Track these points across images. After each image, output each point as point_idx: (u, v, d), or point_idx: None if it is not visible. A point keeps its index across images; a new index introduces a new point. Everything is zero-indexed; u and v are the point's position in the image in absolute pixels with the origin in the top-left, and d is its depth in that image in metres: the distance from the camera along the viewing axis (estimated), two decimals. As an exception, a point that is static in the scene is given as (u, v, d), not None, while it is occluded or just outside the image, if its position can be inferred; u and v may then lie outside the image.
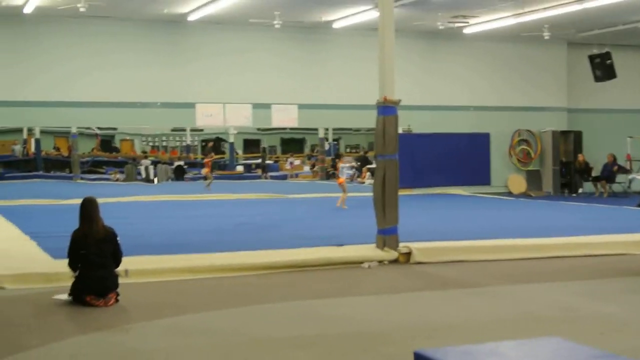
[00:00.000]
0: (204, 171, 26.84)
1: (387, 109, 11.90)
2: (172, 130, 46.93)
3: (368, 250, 11.76)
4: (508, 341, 4.58)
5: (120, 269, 9.01)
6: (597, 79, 26.33)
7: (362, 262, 11.28)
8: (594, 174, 26.88)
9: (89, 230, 8.66)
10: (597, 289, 9.58)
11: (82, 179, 32.10)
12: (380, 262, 11.44)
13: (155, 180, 30.95)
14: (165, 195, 23.41)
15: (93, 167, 37.62)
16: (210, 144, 36.11)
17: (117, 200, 20.98)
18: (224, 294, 9.36)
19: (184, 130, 45.69)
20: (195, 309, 8.37)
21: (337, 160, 20.86)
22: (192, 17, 22.59)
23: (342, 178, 20.17)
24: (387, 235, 11.80)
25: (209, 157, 30.07)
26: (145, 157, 35.89)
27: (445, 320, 7.84)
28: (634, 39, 27.08)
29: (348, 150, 50.77)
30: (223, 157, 44.49)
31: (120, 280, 8.88)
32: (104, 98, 23.09)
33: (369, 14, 21.83)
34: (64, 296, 8.66)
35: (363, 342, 6.92)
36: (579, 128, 27.81)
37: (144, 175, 31.29)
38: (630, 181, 25.92)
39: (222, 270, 10.49)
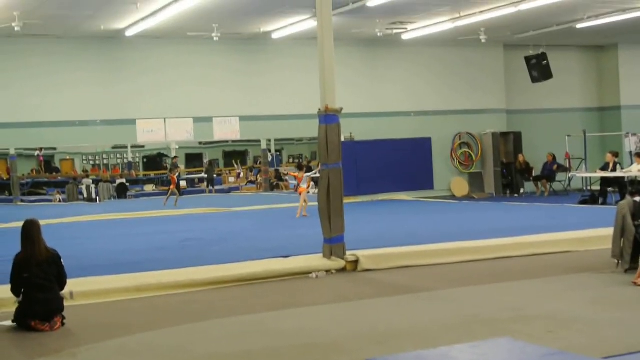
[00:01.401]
0: (171, 187, 26.53)
1: (329, 117, 11.90)
2: (113, 147, 46.43)
3: (315, 260, 11.73)
4: (459, 344, 4.58)
5: (65, 291, 8.87)
6: (534, 79, 26.73)
7: (309, 273, 11.25)
8: (534, 173, 27.24)
9: (31, 253, 8.49)
10: (544, 287, 9.68)
11: (22, 201, 31.54)
12: (328, 271, 11.42)
13: (98, 199, 30.55)
14: (109, 214, 23.09)
15: (33, 188, 37.01)
16: (175, 159, 35.64)
17: (59, 222, 20.64)
18: (171, 311, 9.25)
19: (125, 147, 45.23)
20: (144, 328, 8.25)
21: (299, 170, 20.90)
22: (129, 33, 22.39)
23: (304, 187, 20.16)
24: (333, 244, 11.79)
25: (174, 172, 29.73)
26: (87, 176, 35.38)
27: (396, 326, 7.84)
28: (569, 39, 27.53)
29: (291, 160, 50.70)
30: (166, 173, 44.12)
31: (66, 303, 8.73)
32: (43, 118, 22.82)
33: (308, 24, 21.86)
34: (8, 322, 8.48)
35: (314, 353, 6.88)
36: (519, 129, 28.17)
37: (85, 195, 30.86)
38: (570, 179, 26.29)
39: (169, 288, 10.38)
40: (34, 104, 22.71)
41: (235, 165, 43.45)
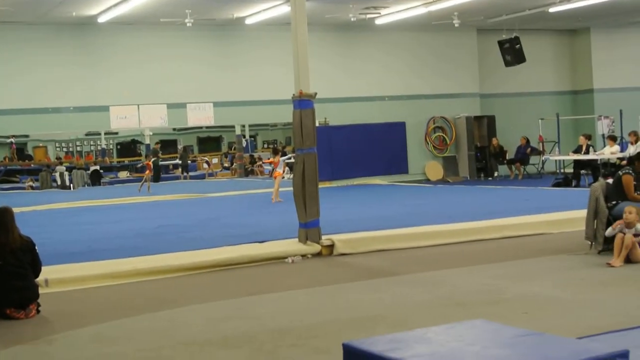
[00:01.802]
0: (146, 173, 26.48)
1: (303, 102, 11.90)
2: (87, 134, 46.18)
3: (291, 245, 11.75)
4: (435, 327, 4.61)
5: (40, 278, 8.82)
6: (507, 63, 26.83)
7: (285, 257, 11.27)
8: (508, 157, 27.39)
9: (5, 240, 8.42)
10: (519, 269, 9.75)
11: (-5, 189, 31.34)
12: (304, 256, 11.45)
13: (72, 186, 30.39)
14: (83, 201, 23.00)
15: (6, 176, 36.76)
16: (157, 145, 35.44)
17: (33, 209, 20.54)
18: (148, 298, 9.23)
19: (98, 134, 45.02)
20: (120, 315, 8.23)
21: (275, 155, 20.86)
22: (102, 19, 22.24)
23: (279, 172, 20.13)
24: (309, 228, 11.81)
25: (149, 158, 29.56)
26: (60, 164, 35.17)
27: (372, 310, 7.87)
28: (541, 23, 27.64)
29: (265, 145, 50.65)
30: (140, 160, 43.98)
31: (41, 291, 8.69)
32: (15, 105, 22.63)
33: (281, 9, 21.82)
34: (-17, 310, 8.43)
35: (291, 337, 6.90)
36: (492, 113, 28.30)
37: (59, 182, 30.69)
38: (544, 162, 26.48)
39: (145, 274, 10.35)
40: (5, 90, 22.51)
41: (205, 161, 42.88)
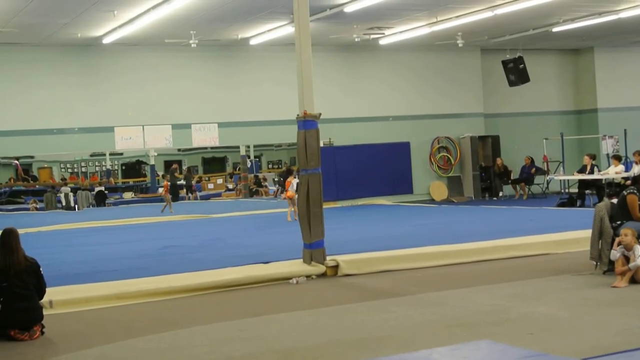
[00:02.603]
0: (162, 194, 26.74)
1: (307, 123, 11.92)
2: (91, 155, 46.27)
3: (295, 266, 11.73)
4: (440, 347, 4.60)
5: (44, 300, 8.82)
6: (511, 83, 26.87)
7: (290, 278, 11.25)
8: (513, 176, 27.37)
9: (10, 261, 8.44)
10: (524, 290, 9.72)
11: (0, 210, 31.37)
12: (308, 276, 11.43)
13: (76, 207, 30.41)
14: (88, 222, 23.00)
15: (11, 197, 36.80)
16: (175, 165, 35.52)
17: (38, 230, 20.55)
18: (152, 319, 9.22)
19: (103, 154, 45.10)
20: (124, 336, 8.22)
21: (289, 175, 20.93)
22: (106, 40, 22.32)
23: (292, 192, 20.15)
24: (313, 249, 11.79)
25: (166, 178, 29.73)
26: (65, 184, 35.24)
27: (377, 331, 7.85)
28: (545, 42, 27.71)
29: (270, 166, 50.70)
30: (145, 180, 44.08)
31: (45, 312, 8.69)
32: (21, 126, 22.70)
33: (285, 29, 21.88)
34: (-13, 332, 8.43)
35: (297, 358, 6.88)
36: (496, 132, 28.32)
37: (64, 203, 30.71)
38: (548, 182, 26.45)
39: (150, 295, 10.35)
40: (11, 112, 22.58)
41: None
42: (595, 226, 10.61)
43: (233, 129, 25.15)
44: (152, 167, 41.04)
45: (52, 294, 9.32)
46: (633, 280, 9.54)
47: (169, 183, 28.09)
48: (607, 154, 24.78)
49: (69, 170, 49.51)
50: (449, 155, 27.85)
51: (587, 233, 11.01)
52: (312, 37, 12.54)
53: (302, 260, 11.88)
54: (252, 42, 23.94)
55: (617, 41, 28.70)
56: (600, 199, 18.91)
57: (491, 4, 20.73)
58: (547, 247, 13.04)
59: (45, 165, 48.16)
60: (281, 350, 7.19)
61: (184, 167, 46.73)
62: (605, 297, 8.98)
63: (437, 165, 27.65)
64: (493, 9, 20.96)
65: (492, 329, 7.53)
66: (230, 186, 40.52)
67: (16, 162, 41.81)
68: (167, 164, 49.63)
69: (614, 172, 21.25)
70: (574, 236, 13.40)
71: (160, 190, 26.77)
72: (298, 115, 12.04)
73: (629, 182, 18.31)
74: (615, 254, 9.79)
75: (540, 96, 29.70)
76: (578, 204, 21.88)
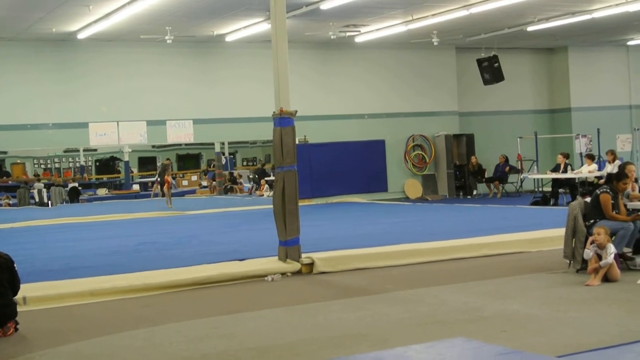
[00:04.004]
0: (164, 188, 26.67)
1: (283, 120, 11.93)
2: (65, 151, 45.95)
3: (270, 263, 11.74)
4: (415, 345, 4.63)
5: (18, 296, 8.76)
6: (486, 82, 27.00)
7: (265, 276, 11.25)
8: (487, 175, 27.49)
9: (-17, 258, 8.38)
10: (498, 288, 9.78)
11: (-28, 206, 31.12)
12: (283, 274, 11.44)
13: (50, 203, 30.21)
14: (61, 218, 22.87)
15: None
16: (167, 160, 35.32)
17: (11, 226, 20.42)
18: (127, 316, 9.19)
19: (77, 150, 44.81)
20: (99, 333, 8.19)
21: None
22: (81, 35, 22.17)
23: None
24: (289, 246, 11.81)
25: (167, 174, 29.57)
26: (38, 180, 35.00)
27: (352, 328, 7.87)
28: (519, 41, 27.85)
29: (245, 163, 50.59)
30: (119, 177, 43.85)
31: (19, 309, 8.63)
32: (-7, 121, 22.52)
33: (261, 26, 21.85)
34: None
35: (272, 356, 6.89)
36: (471, 131, 28.44)
37: (37, 199, 30.51)
38: (522, 181, 26.60)
39: (124, 292, 10.32)
40: (-17, 107, 22.41)
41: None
42: (569, 225, 10.70)
43: (208, 125, 25.08)
44: (127, 163, 40.83)
45: (26, 290, 9.26)
46: (606, 279, 9.63)
47: (170, 178, 28.04)
48: (581, 153, 24.96)
49: (43, 166, 49.12)
50: (423, 154, 27.92)
51: (561, 232, 11.10)
52: (288, 34, 12.55)
53: (277, 257, 11.89)
54: (228, 38, 23.88)
55: (590, 41, 28.91)
56: (574, 198, 19.04)
57: (466, 3, 20.81)
58: (521, 245, 13.12)
59: (19, 161, 47.75)
60: (256, 348, 7.19)
61: (158, 164, 46.51)
62: (578, 295, 9.05)
63: (412, 164, 27.72)
64: (468, 8, 21.03)
65: (467, 327, 7.58)
66: (205, 183, 40.41)
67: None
68: (142, 161, 49.45)
69: (587, 171, 21.43)
70: (548, 235, 13.51)
71: (154, 186, 26.73)
72: (274, 112, 12.04)
73: (602, 181, 18.47)
74: (589, 252, 9.87)
75: (515, 95, 29.86)
76: (551, 202, 22.03)
